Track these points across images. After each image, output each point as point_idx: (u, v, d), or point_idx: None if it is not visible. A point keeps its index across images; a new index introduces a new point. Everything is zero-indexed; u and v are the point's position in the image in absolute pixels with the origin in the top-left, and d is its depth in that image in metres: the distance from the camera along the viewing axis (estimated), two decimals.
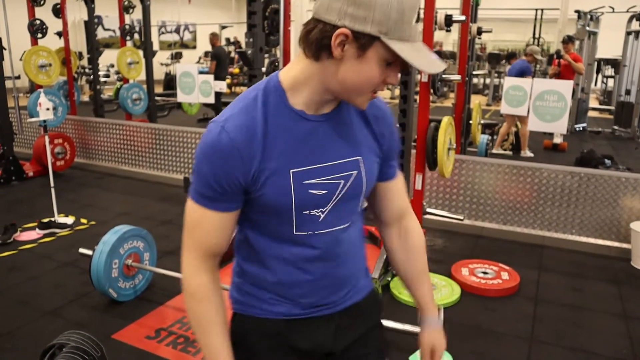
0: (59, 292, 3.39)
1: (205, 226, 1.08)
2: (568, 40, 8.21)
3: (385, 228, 1.32)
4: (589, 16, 9.12)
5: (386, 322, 2.61)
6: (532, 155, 7.40)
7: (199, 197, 1.06)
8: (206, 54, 17.79)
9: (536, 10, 12.35)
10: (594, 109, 11.32)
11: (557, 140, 7.96)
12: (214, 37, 9.98)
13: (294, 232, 1.10)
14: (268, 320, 1.17)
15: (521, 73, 7.05)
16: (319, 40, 0.96)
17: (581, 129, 9.43)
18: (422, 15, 0.85)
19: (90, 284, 3.18)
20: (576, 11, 9.13)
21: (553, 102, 3.99)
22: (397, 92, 14.11)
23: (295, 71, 1.04)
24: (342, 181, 1.10)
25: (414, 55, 0.94)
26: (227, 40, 18.81)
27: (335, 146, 1.09)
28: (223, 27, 18.86)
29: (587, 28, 9.06)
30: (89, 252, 3.21)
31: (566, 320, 3.12)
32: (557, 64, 8.39)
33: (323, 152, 1.07)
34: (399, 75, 1.01)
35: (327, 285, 1.17)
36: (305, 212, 1.08)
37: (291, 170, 1.04)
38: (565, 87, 4.00)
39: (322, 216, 1.10)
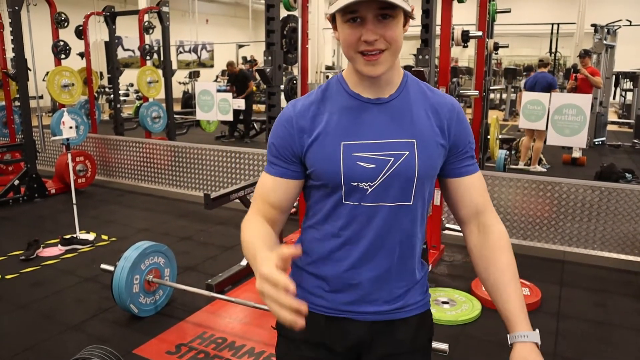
0: (81, 307, 3.43)
1: (264, 186, 1.25)
2: (585, 55, 8.18)
3: (463, 226, 1.29)
4: (606, 30, 9.08)
5: None
6: (543, 170, 7.30)
7: (267, 167, 1.26)
8: (223, 72, 18.01)
9: (552, 24, 12.32)
10: (613, 122, 11.22)
11: (576, 154, 7.89)
12: (231, 66, 10.18)
13: (342, 201, 1.18)
14: (309, 314, 1.22)
15: None
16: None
17: (600, 142, 9.34)
18: None
19: (111, 299, 3.22)
20: (593, 25, 9.10)
21: (572, 116, 3.98)
22: None
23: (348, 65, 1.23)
24: (392, 159, 1.16)
25: (338, 3, 1.09)
26: (244, 58, 19.04)
27: (389, 127, 1.18)
28: (240, 46, 19.09)
29: (605, 42, 9.02)
30: (111, 267, 3.25)
31: (589, 336, 3.07)
32: (574, 78, 8.35)
33: (376, 130, 1.17)
34: (380, 27, 1.09)
35: (368, 272, 1.21)
36: (353, 183, 1.16)
37: (342, 142, 1.16)
38: (583, 100, 3.99)
39: (370, 190, 1.16)
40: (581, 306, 3.44)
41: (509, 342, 1.15)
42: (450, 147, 1.22)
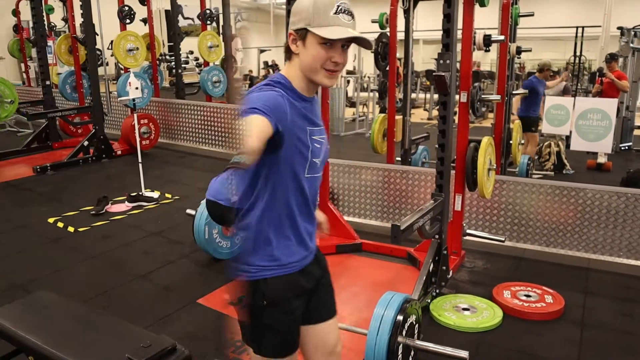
0: (148, 259, 3.63)
1: (262, 124, 1.37)
2: (611, 59, 8.03)
3: None
4: (632, 32, 8.91)
5: (426, 344, 2.57)
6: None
7: (258, 112, 1.38)
8: (245, 77, 18.10)
9: (577, 28, 12.13)
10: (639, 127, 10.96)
11: (601, 159, 7.73)
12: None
13: (305, 175, 1.54)
14: (292, 275, 1.58)
15: None
16: (287, 45, 1.51)
17: (626, 148, 9.12)
18: (346, 8, 1.46)
19: (176, 252, 3.49)
20: (619, 28, 8.93)
21: (597, 120, 3.91)
22: (435, 112, 14.03)
23: (289, 70, 1.53)
24: (324, 140, 1.61)
25: (327, 31, 1.41)
26: (265, 63, 19.16)
27: (318, 116, 1.61)
28: (262, 51, 19.21)
29: (631, 45, 8.84)
30: (193, 212, 3.57)
31: (615, 345, 3.00)
32: (599, 82, 8.20)
33: (316, 120, 1.58)
34: (344, 54, 1.48)
35: (313, 223, 1.66)
36: (314, 159, 1.55)
37: (307, 127, 1.53)
38: (609, 105, 3.91)
39: (318, 164, 1.58)
40: (606, 315, 3.37)
41: None
42: None
